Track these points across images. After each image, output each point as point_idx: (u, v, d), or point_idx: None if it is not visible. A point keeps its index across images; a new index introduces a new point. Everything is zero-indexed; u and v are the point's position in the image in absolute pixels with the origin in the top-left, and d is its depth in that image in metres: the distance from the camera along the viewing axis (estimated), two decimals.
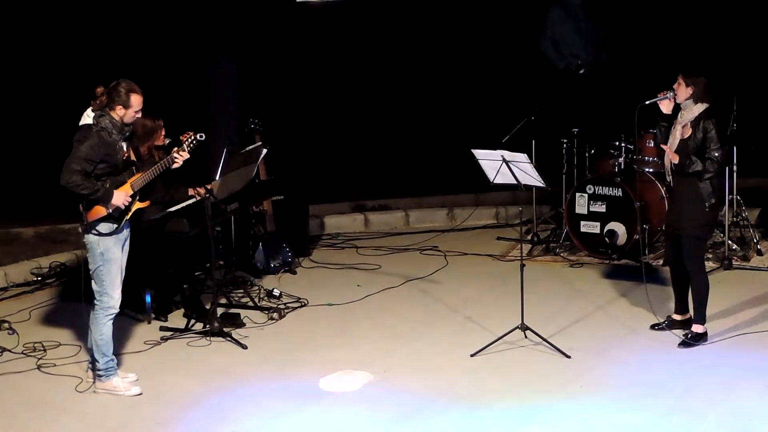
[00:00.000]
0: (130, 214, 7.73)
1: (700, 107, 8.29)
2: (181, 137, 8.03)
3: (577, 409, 7.37)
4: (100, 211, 7.58)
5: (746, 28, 12.98)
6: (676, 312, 8.73)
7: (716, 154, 8.21)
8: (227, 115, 12.68)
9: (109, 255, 7.67)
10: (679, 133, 8.33)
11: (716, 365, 8.00)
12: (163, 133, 8.99)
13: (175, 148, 7.97)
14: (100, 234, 7.62)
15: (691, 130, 8.28)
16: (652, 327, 8.69)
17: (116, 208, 7.59)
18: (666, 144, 8.36)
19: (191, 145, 7.96)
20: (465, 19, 14.17)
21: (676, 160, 8.25)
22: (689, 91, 8.29)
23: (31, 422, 7.42)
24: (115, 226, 7.65)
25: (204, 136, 8.00)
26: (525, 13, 13.52)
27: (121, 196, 7.60)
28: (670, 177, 8.41)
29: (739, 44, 13.06)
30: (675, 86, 8.35)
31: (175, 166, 7.91)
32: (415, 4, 14.02)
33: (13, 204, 12.39)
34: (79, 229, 7.75)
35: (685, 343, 8.41)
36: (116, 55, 12.89)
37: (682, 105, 8.35)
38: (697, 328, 8.50)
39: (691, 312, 8.59)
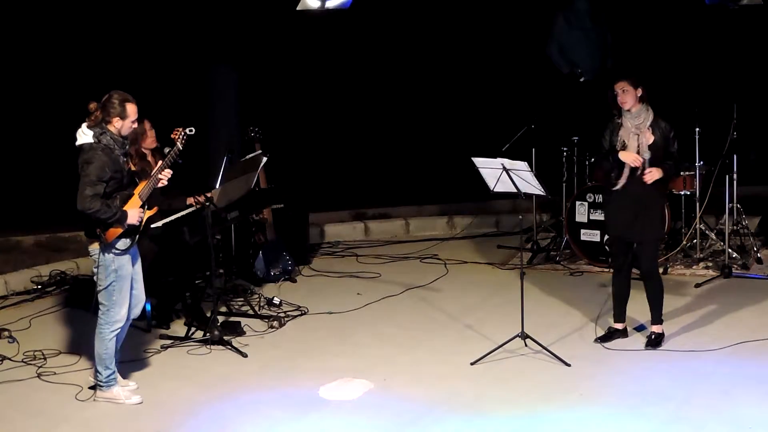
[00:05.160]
0: (142, 225, 7.70)
1: (649, 109, 8.35)
2: (171, 135, 7.97)
3: (577, 418, 7.37)
4: (117, 230, 7.56)
5: (746, 36, 12.99)
6: (617, 321, 8.75)
7: (676, 149, 8.40)
8: (227, 124, 12.68)
9: (123, 272, 7.65)
10: (644, 140, 8.31)
11: (716, 373, 8.00)
12: (151, 135, 9.02)
13: (160, 163, 7.88)
14: (118, 252, 7.61)
15: (652, 135, 8.33)
16: (596, 340, 8.71)
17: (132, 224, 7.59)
18: (622, 160, 8.35)
19: (183, 141, 7.87)
20: (465, 27, 14.18)
21: (659, 174, 8.26)
22: (639, 92, 8.33)
23: (31, 430, 7.41)
24: (130, 241, 7.64)
25: (194, 130, 7.93)
26: (525, 21, 13.53)
27: (135, 213, 7.56)
28: (622, 184, 8.35)
29: (739, 52, 13.07)
30: (620, 97, 8.33)
31: (160, 184, 7.84)
32: (415, 12, 14.03)
33: (13, 212, 12.38)
34: (91, 253, 7.67)
35: (652, 343, 8.52)
36: (116, 62, 12.89)
37: (632, 112, 8.33)
38: (657, 329, 8.61)
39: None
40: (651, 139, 8.31)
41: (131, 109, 7.56)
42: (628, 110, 8.35)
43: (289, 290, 10.34)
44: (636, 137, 8.33)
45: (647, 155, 8.27)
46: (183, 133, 7.88)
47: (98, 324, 7.74)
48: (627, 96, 8.32)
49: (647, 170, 8.26)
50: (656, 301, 8.58)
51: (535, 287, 9.97)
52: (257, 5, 12.55)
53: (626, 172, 8.35)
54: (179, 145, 7.85)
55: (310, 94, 14.20)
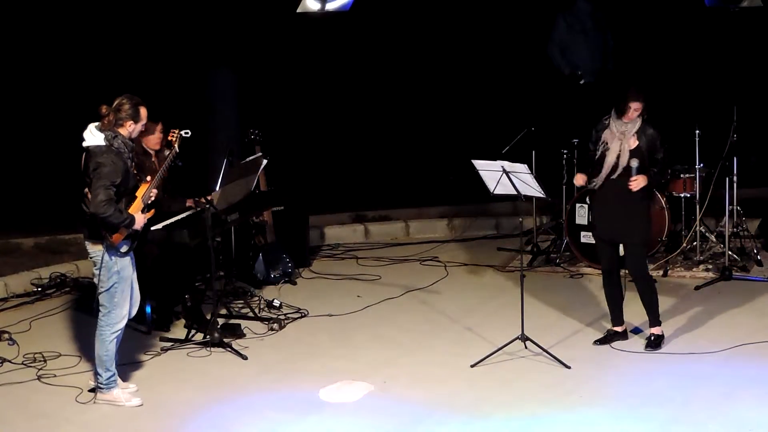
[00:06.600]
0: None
1: (640, 117, 8.42)
2: (169, 137, 8.00)
3: (577, 420, 7.37)
4: (123, 232, 7.56)
5: (746, 38, 12.98)
6: (615, 324, 8.76)
7: (662, 155, 8.42)
8: (227, 126, 12.67)
9: (125, 273, 7.67)
10: (627, 146, 8.38)
11: (716, 375, 8.01)
12: (159, 137, 9.05)
13: (149, 178, 7.87)
14: (120, 254, 7.61)
15: (637, 141, 8.39)
16: (596, 342, 8.72)
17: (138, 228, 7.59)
18: (600, 163, 8.47)
19: (178, 143, 7.90)
20: (465, 29, 14.19)
21: (644, 182, 8.34)
22: (639, 110, 8.40)
23: None
24: (132, 242, 7.64)
25: (189, 133, 7.96)
26: (525, 23, 13.54)
27: (141, 217, 7.59)
28: (599, 184, 8.45)
29: (739, 54, 13.06)
30: (629, 111, 8.37)
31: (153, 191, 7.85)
32: (415, 14, 14.03)
33: (13, 214, 12.38)
34: (92, 255, 7.66)
35: (652, 345, 8.53)
36: (116, 65, 12.90)
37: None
38: (656, 330, 8.62)
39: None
40: (634, 144, 8.39)
41: (144, 113, 7.60)
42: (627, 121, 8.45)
43: (289, 292, 10.34)
44: (619, 142, 8.40)
45: (635, 163, 8.34)
46: (178, 135, 7.90)
47: (99, 326, 7.74)
48: (633, 114, 8.39)
49: (633, 178, 8.34)
50: (650, 302, 8.60)
51: (535, 289, 9.96)
52: (257, 7, 12.55)
53: (603, 173, 8.42)
54: (176, 148, 7.87)
55: (310, 96, 14.21)
